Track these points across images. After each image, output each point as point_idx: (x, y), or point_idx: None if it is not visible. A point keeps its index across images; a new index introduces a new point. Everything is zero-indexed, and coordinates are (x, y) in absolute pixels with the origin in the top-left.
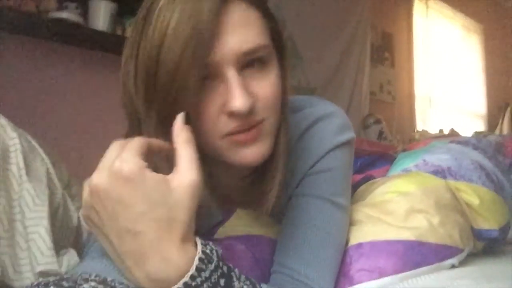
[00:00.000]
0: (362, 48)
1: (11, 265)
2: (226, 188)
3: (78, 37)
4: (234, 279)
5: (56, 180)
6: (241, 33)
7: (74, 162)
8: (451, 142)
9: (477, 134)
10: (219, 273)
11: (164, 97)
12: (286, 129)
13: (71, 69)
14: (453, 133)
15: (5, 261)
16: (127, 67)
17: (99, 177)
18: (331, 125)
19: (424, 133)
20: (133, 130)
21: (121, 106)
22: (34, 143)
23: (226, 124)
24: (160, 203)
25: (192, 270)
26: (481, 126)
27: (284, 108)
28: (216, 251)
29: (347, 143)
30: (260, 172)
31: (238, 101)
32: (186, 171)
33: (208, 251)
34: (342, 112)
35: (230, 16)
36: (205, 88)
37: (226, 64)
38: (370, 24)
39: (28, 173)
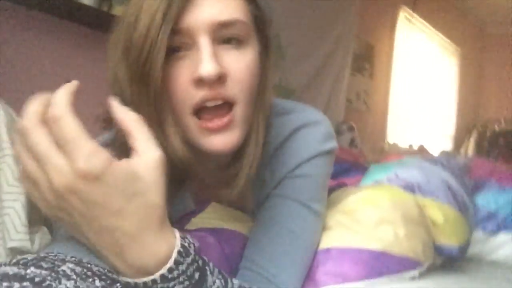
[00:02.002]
0: (344, 55)
1: None
2: (201, 174)
3: (63, 8)
4: (208, 272)
5: None
6: (218, 4)
7: None
8: (423, 160)
9: (443, 153)
10: (195, 267)
11: (136, 61)
12: (262, 122)
13: (54, 41)
14: (422, 149)
15: None
16: (113, 40)
17: (63, 180)
18: (317, 132)
19: (394, 145)
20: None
21: (108, 85)
22: (15, 115)
23: (195, 94)
24: (135, 193)
25: (171, 263)
26: (447, 145)
27: (262, 99)
28: (194, 244)
29: (329, 152)
30: (232, 162)
31: (206, 66)
32: (146, 151)
33: (186, 244)
34: (328, 122)
35: None
36: (178, 58)
37: (199, 31)
38: (354, 33)
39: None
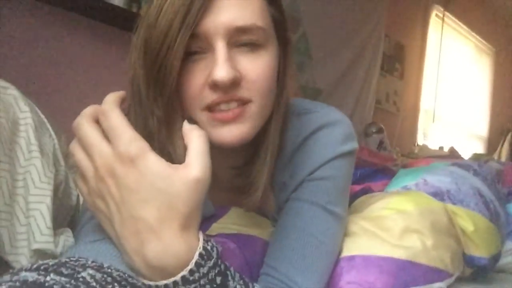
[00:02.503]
0: (374, 56)
1: (8, 239)
2: (215, 176)
3: (95, 10)
4: (230, 277)
5: (60, 156)
6: (236, 9)
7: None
8: (453, 164)
9: (476, 156)
10: (216, 271)
11: (153, 60)
12: (278, 122)
13: (84, 40)
14: (452, 152)
15: (3, 234)
16: (135, 40)
17: (105, 162)
18: (336, 133)
19: (424, 147)
20: (136, 100)
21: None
22: (43, 117)
23: (209, 96)
24: (163, 191)
25: (192, 265)
26: (480, 148)
27: (280, 100)
28: (216, 248)
29: (349, 154)
30: (248, 163)
31: (220, 71)
32: (192, 165)
33: (209, 247)
34: (348, 121)
35: None
36: (194, 60)
37: (216, 36)
38: (384, 33)
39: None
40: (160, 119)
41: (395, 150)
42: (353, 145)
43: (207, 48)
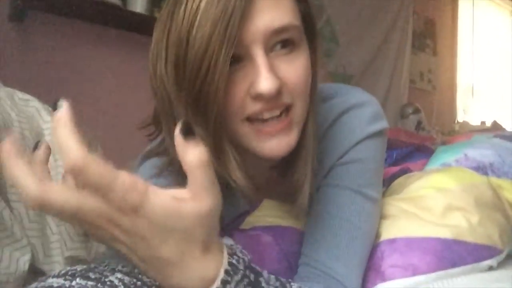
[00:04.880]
0: (403, 34)
1: (42, 249)
2: (254, 179)
3: (117, 19)
4: (263, 283)
5: None
6: (270, 12)
7: (108, 144)
8: (495, 136)
9: None
10: (245, 282)
11: (192, 79)
12: (314, 117)
13: (110, 50)
14: (496, 126)
15: (36, 245)
16: (157, 50)
17: (104, 216)
18: (362, 114)
19: (464, 124)
20: (165, 114)
21: (151, 89)
22: None
23: (251, 106)
24: (176, 228)
25: (217, 284)
26: None
27: (313, 95)
28: (243, 259)
29: (379, 133)
30: (289, 162)
31: (265, 83)
32: (197, 198)
33: (234, 261)
34: (375, 101)
35: None
36: (232, 71)
37: (254, 44)
38: (412, 10)
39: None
40: (203, 139)
41: (435, 130)
42: (382, 124)
43: (244, 56)
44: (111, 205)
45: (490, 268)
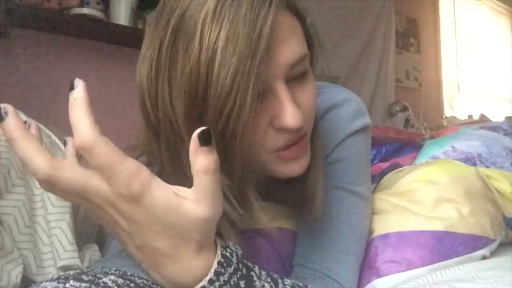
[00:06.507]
0: (386, 34)
1: (34, 260)
2: (264, 190)
3: (100, 32)
4: (255, 278)
5: None
6: (289, 45)
7: None
8: (481, 128)
9: (508, 119)
10: (238, 275)
11: (216, 117)
12: (317, 124)
13: (94, 64)
14: (483, 119)
15: (28, 256)
16: (152, 81)
17: (106, 200)
18: (344, 112)
19: (452, 119)
20: (167, 148)
21: (145, 125)
22: (54, 138)
23: (275, 139)
24: (173, 224)
25: (211, 274)
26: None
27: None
28: (236, 253)
29: (362, 130)
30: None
31: (291, 118)
32: (198, 202)
33: (227, 253)
34: (356, 98)
35: (279, 29)
36: None
37: (277, 77)
38: (394, 10)
39: None
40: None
41: (423, 126)
42: (364, 121)
43: (265, 89)
44: (113, 189)
45: (484, 258)
